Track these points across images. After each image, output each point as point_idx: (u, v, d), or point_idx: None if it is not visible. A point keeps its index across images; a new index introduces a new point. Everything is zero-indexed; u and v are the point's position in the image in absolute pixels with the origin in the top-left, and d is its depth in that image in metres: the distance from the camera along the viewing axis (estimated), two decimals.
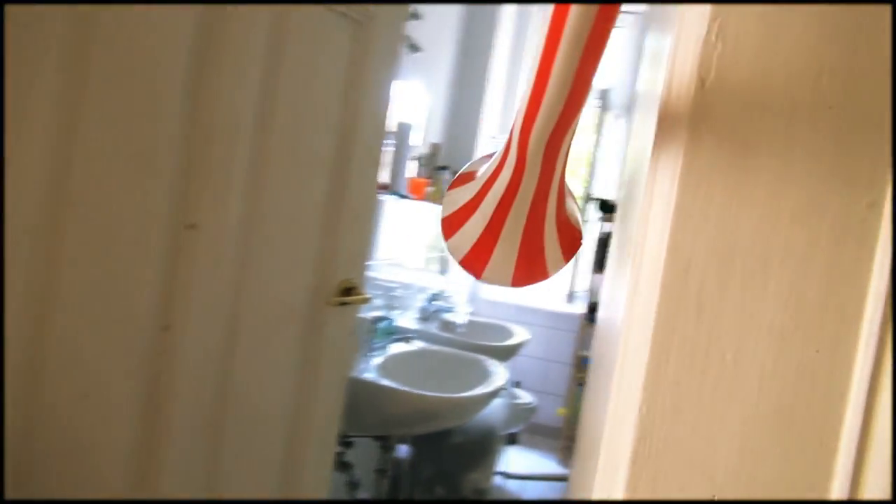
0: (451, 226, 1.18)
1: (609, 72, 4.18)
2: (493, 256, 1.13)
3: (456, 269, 3.50)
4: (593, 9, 0.75)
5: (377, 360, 2.13)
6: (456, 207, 1.18)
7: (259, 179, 1.42)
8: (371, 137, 1.68)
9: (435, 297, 3.04)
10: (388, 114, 1.73)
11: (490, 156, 1.15)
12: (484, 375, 2.24)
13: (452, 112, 3.64)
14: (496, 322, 3.44)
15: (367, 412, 1.93)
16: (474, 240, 1.14)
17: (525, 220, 1.06)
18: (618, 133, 3.95)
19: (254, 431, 1.55)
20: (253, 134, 1.39)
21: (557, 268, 1.20)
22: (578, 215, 1.21)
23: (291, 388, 1.61)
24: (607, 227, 3.69)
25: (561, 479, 3.35)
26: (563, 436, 3.67)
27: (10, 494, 1.11)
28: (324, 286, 1.63)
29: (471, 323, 3.17)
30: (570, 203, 1.17)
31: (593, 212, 3.76)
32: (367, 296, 1.71)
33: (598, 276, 3.54)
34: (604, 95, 3.64)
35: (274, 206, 1.47)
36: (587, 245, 3.92)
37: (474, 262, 1.16)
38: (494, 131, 3.94)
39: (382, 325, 2.31)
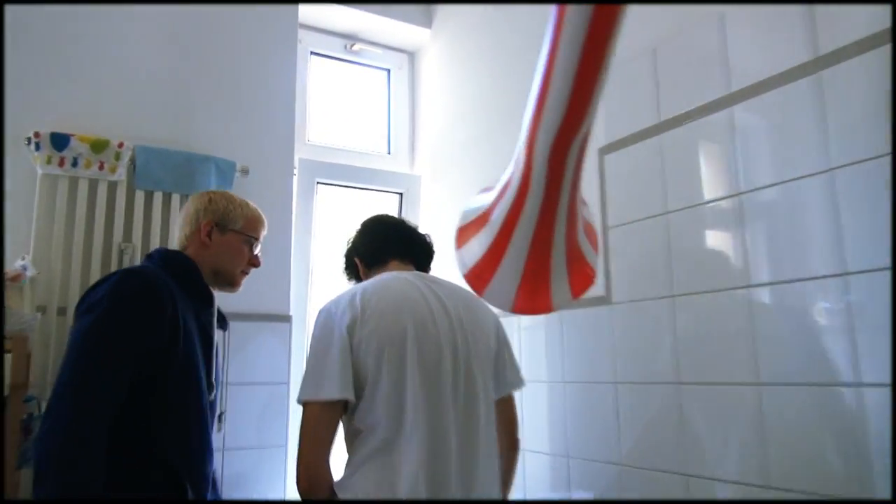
0: (461, 237, 1.18)
1: None
2: (494, 277, 1.09)
3: None
4: (588, 9, 0.75)
5: None
6: (468, 220, 1.17)
7: None
8: None
9: None
10: None
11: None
12: None
13: None
14: None
15: None
16: (479, 256, 1.11)
17: (530, 243, 1.02)
18: None
19: None
20: None
21: (564, 303, 1.13)
22: (593, 251, 1.14)
23: None
24: None
25: None
26: None
27: None
28: None
29: None
30: (583, 236, 1.10)
31: None
32: None
33: None
34: None
35: None
36: None
37: (477, 280, 1.13)
38: None
39: None
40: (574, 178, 0.96)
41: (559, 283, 1.09)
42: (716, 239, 1.52)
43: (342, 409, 1.29)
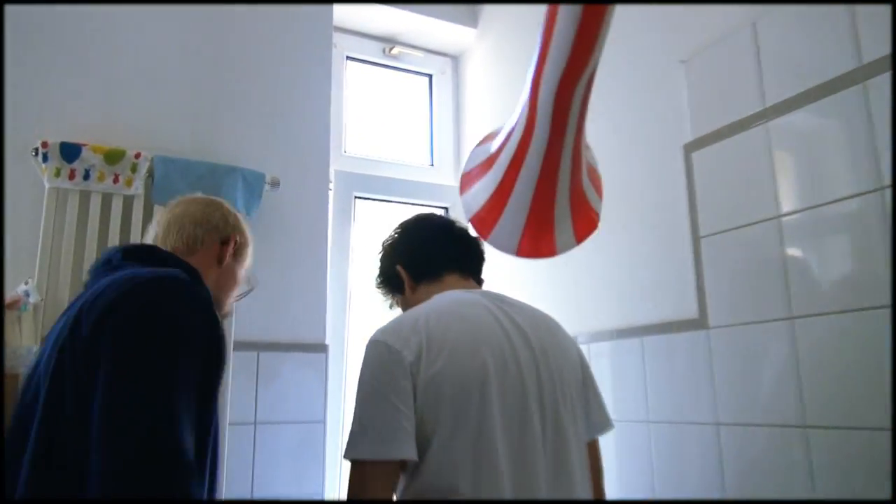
0: (467, 182, 1.19)
1: None
2: (499, 220, 1.09)
3: None
4: None
5: None
6: (474, 164, 1.17)
7: None
8: None
9: None
10: None
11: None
12: None
13: None
14: None
15: None
16: (485, 199, 1.10)
17: (535, 185, 1.02)
18: None
19: None
20: None
21: (567, 246, 1.13)
22: (596, 195, 1.14)
23: None
24: None
25: None
26: None
27: None
28: None
29: None
30: (587, 180, 1.10)
31: None
32: None
33: None
34: None
35: None
36: None
37: (483, 223, 1.14)
38: None
39: None
40: (579, 118, 0.94)
41: (563, 226, 1.08)
42: (850, 246, 1.22)
43: (401, 469, 1.01)
